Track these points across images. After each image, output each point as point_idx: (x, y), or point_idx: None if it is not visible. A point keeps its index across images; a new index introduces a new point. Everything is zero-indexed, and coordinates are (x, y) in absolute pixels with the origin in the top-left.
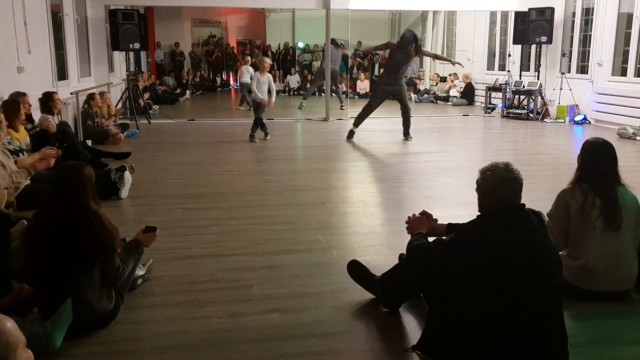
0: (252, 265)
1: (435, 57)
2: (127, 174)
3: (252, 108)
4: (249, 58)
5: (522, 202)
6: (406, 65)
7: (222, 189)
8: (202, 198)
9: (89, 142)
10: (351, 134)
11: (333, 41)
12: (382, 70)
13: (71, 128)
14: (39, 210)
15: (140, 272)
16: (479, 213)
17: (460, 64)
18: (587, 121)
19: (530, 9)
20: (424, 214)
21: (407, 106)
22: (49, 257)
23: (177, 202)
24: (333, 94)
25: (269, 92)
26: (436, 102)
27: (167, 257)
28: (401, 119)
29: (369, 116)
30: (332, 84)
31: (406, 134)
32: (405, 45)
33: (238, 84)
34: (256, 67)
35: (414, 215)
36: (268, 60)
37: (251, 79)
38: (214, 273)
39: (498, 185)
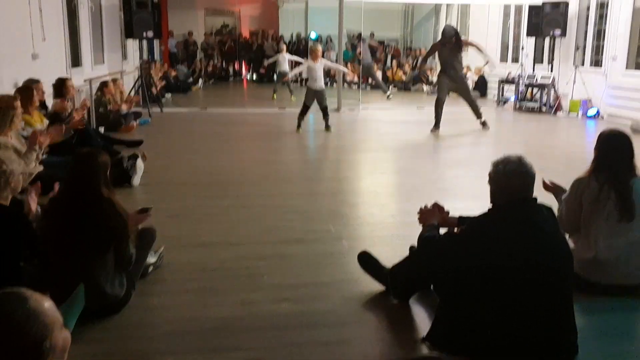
0: (263, 254)
1: (478, 48)
2: (139, 161)
3: (306, 96)
4: (285, 46)
5: (534, 195)
6: (454, 59)
7: (234, 177)
8: (213, 186)
9: (102, 130)
10: (436, 126)
11: (359, 37)
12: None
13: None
14: (53, 197)
15: (151, 259)
16: (490, 205)
17: (493, 64)
18: (600, 115)
19: (544, 3)
20: (436, 205)
21: (470, 98)
22: (63, 241)
23: (189, 190)
24: (369, 86)
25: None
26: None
27: (178, 244)
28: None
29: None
30: (367, 75)
31: (482, 122)
32: (447, 40)
33: (277, 73)
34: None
35: (425, 206)
36: (319, 48)
37: (293, 66)
38: (225, 261)
39: (510, 177)
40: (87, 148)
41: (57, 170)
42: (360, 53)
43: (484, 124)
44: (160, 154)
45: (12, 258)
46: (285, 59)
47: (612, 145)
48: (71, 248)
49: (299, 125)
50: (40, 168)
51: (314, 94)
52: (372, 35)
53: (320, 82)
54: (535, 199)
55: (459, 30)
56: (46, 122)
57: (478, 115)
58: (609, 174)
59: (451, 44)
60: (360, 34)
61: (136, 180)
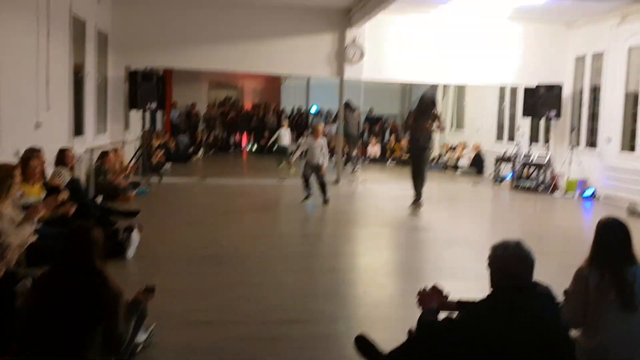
0: (256, 335)
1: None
2: (134, 233)
3: (304, 169)
4: (286, 122)
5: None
6: (427, 128)
7: (229, 252)
8: (208, 261)
9: (99, 199)
10: (418, 205)
11: (347, 105)
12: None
13: (82, 184)
14: (45, 270)
15: (141, 337)
16: (490, 290)
17: (442, 130)
18: (596, 196)
19: (539, 85)
20: (435, 288)
21: (424, 174)
22: (52, 316)
23: (183, 264)
24: (368, 159)
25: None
26: (445, 171)
27: (170, 322)
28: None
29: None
30: (349, 145)
31: (417, 199)
32: (423, 108)
33: (277, 146)
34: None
35: (425, 288)
36: (321, 126)
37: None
38: (217, 342)
39: (510, 263)
40: (81, 221)
41: (51, 241)
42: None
43: (416, 202)
44: (156, 226)
45: None
46: (285, 134)
47: (610, 234)
48: (59, 324)
49: (307, 197)
50: (35, 238)
51: (312, 168)
52: (371, 110)
53: (318, 158)
54: (536, 284)
55: (456, 109)
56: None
57: (418, 195)
58: (607, 263)
59: (426, 114)
60: (347, 102)
61: (130, 253)
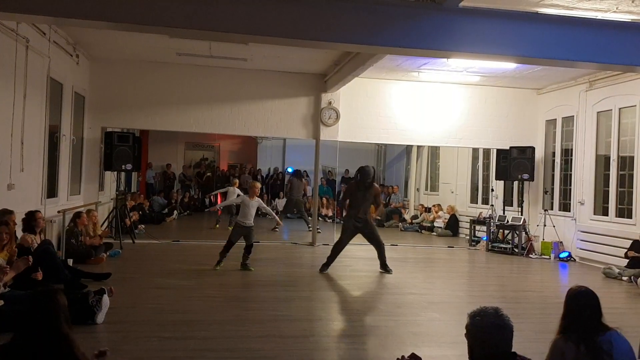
0: None
1: (376, 197)
2: (105, 297)
3: (233, 232)
4: (237, 180)
5: (512, 349)
6: (366, 202)
7: (201, 316)
8: (179, 326)
9: (70, 262)
10: (324, 267)
11: (296, 173)
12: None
13: (54, 247)
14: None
15: None
16: (468, 358)
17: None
18: (572, 258)
19: (511, 147)
20: (413, 357)
21: (379, 241)
22: None
23: (153, 329)
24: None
25: (259, 215)
26: (421, 232)
27: None
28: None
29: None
30: (296, 210)
31: (384, 266)
32: (363, 181)
33: (221, 206)
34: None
35: (402, 357)
36: (258, 185)
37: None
38: None
39: (488, 331)
40: (45, 287)
41: (19, 306)
42: (288, 186)
43: (384, 267)
44: (127, 289)
45: None
46: (234, 192)
47: (580, 304)
48: None
49: (219, 262)
50: (1, 302)
51: (243, 230)
52: (346, 171)
53: (251, 220)
54: (515, 354)
55: (429, 170)
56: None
57: (383, 261)
58: (581, 333)
59: (366, 186)
60: (297, 171)
61: (100, 317)
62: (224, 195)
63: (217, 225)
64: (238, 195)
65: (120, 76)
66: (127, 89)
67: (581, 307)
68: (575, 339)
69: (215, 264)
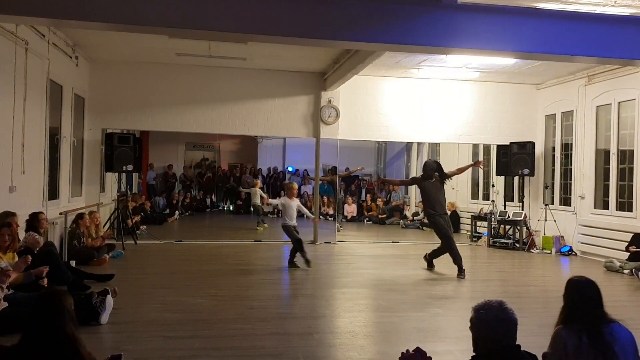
0: None
1: (460, 171)
2: (109, 298)
3: (289, 234)
4: (258, 181)
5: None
6: (439, 194)
7: (205, 315)
8: (184, 325)
9: (73, 263)
10: (460, 271)
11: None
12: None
13: (56, 248)
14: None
15: None
16: (473, 353)
17: (480, 166)
18: (573, 252)
19: (511, 143)
20: (418, 350)
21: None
22: None
23: (158, 329)
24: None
25: (300, 215)
26: (422, 229)
27: None
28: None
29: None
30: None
31: (431, 259)
32: (429, 174)
33: (252, 206)
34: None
35: (407, 351)
36: (296, 186)
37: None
38: None
39: (492, 325)
40: (50, 287)
41: (22, 308)
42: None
43: (461, 271)
44: (131, 290)
45: None
46: (256, 192)
47: (582, 294)
48: None
49: (307, 261)
50: (5, 304)
51: (292, 229)
52: (347, 169)
53: (294, 219)
54: (519, 347)
55: (413, 162)
56: (15, 258)
57: (433, 255)
58: (581, 322)
59: (434, 179)
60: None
61: (104, 318)
62: (249, 197)
63: (259, 227)
64: (261, 196)
65: (119, 77)
66: (126, 90)
67: (582, 296)
68: (576, 329)
69: (307, 265)
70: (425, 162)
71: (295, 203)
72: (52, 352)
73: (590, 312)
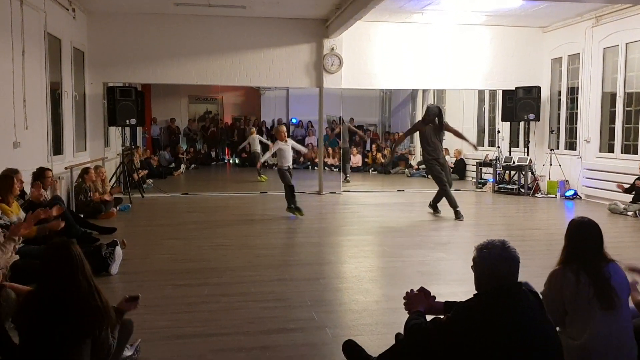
0: (244, 346)
1: (456, 134)
2: (118, 249)
3: (283, 178)
4: (254, 129)
5: (519, 280)
6: (437, 138)
7: (214, 264)
8: (193, 274)
9: (81, 217)
10: (457, 214)
11: (276, 130)
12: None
13: (64, 202)
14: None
15: (127, 352)
16: (475, 291)
17: (476, 148)
18: (577, 196)
19: (517, 88)
20: (422, 290)
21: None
22: (39, 333)
23: (167, 278)
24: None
25: (296, 152)
26: (427, 177)
27: (156, 336)
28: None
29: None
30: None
31: (434, 206)
32: (430, 119)
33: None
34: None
35: (412, 291)
36: (283, 128)
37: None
38: (204, 354)
39: (495, 263)
40: (60, 238)
41: (34, 259)
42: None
43: (457, 213)
44: (139, 241)
45: None
46: (255, 140)
47: (583, 234)
48: (48, 339)
49: (297, 209)
50: (17, 257)
51: (287, 173)
52: (351, 120)
53: (290, 161)
54: (521, 285)
55: (419, 109)
56: (22, 213)
57: (435, 202)
58: (582, 263)
59: (434, 124)
60: (340, 117)
61: (114, 268)
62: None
63: (260, 178)
64: (261, 141)
65: (118, 29)
66: (125, 43)
67: (583, 236)
68: (575, 268)
69: (296, 212)
70: (428, 106)
71: (289, 144)
72: (66, 300)
73: (590, 251)
